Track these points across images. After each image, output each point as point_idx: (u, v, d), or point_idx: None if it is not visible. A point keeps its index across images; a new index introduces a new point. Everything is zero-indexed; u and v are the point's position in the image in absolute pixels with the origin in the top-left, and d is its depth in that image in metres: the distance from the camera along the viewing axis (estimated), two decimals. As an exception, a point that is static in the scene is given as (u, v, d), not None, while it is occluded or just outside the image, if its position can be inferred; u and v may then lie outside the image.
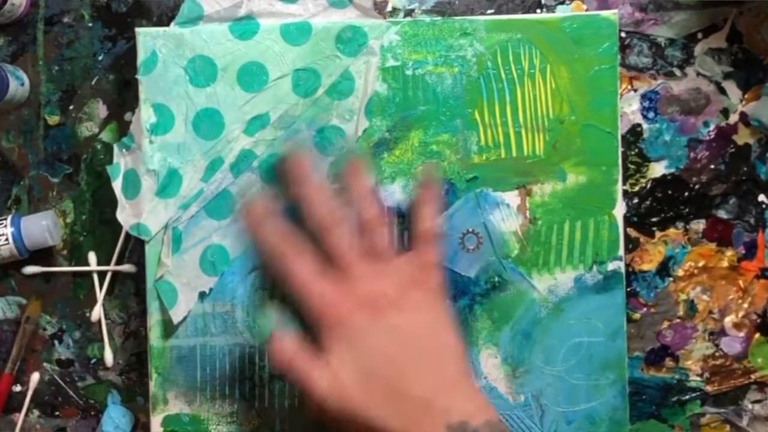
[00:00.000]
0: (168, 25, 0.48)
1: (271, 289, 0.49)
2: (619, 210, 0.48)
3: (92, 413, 0.52)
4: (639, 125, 0.50)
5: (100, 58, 0.51)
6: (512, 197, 0.49)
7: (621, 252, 0.48)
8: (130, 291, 0.52)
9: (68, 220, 0.52)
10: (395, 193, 0.49)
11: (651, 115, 0.50)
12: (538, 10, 0.50)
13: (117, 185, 0.48)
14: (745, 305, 0.51)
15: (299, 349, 0.42)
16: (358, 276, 0.42)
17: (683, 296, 0.51)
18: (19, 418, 0.52)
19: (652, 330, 0.51)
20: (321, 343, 0.42)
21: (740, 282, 0.51)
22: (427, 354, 0.42)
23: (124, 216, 0.48)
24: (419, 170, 0.46)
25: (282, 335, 0.43)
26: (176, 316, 0.48)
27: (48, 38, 0.51)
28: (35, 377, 0.51)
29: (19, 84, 0.50)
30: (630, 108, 0.50)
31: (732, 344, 0.51)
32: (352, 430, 0.41)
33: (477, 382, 0.49)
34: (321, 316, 0.42)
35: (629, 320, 0.50)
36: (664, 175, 0.50)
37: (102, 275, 0.51)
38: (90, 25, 0.51)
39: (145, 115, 0.48)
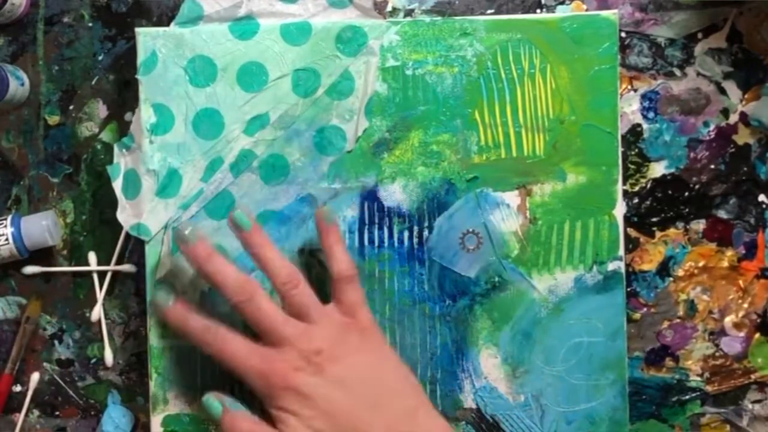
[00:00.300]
0: (168, 25, 0.48)
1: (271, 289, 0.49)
2: (619, 210, 0.48)
3: (92, 413, 0.52)
4: (639, 125, 0.50)
5: (100, 58, 0.51)
6: (512, 197, 0.49)
7: (621, 252, 0.48)
8: (130, 291, 0.52)
9: (68, 220, 0.52)
10: (395, 193, 0.49)
11: (651, 115, 0.50)
12: (538, 10, 0.50)
13: (117, 185, 0.48)
14: (745, 305, 0.51)
15: (253, 421, 0.42)
16: (288, 339, 0.42)
17: (683, 296, 0.51)
18: (19, 418, 0.52)
19: (652, 330, 0.51)
20: (272, 415, 0.42)
21: (740, 282, 0.51)
22: (376, 394, 0.42)
23: (125, 216, 0.48)
24: (317, 215, 0.46)
25: (233, 413, 0.42)
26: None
27: (48, 38, 0.51)
28: (35, 377, 0.51)
29: (19, 84, 0.50)
30: (630, 108, 0.50)
31: (732, 344, 0.51)
32: None
33: (477, 380, 0.48)
34: (266, 387, 0.41)
35: (629, 320, 0.50)
36: (664, 175, 0.50)
37: (102, 275, 0.51)
38: (90, 25, 0.51)
39: (145, 115, 0.48)
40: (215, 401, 0.42)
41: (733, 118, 0.50)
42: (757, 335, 0.51)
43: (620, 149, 0.48)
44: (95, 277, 0.51)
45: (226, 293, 0.43)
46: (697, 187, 0.50)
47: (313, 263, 0.48)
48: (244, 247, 0.44)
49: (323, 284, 0.46)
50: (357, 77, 0.48)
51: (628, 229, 0.50)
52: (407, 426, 0.41)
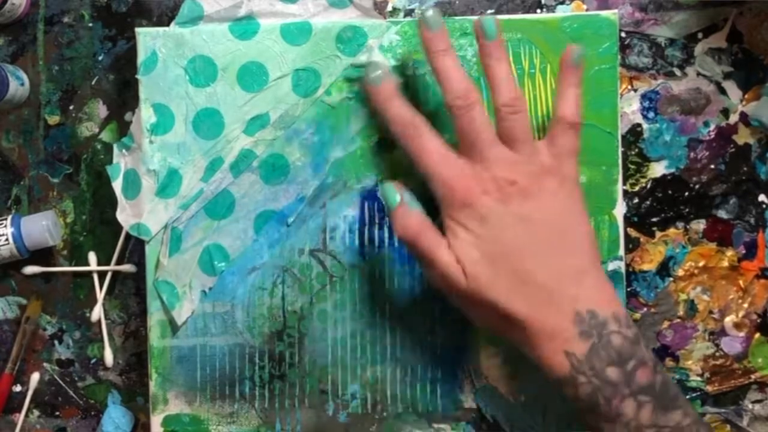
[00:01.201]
0: (168, 25, 0.48)
1: (271, 289, 0.49)
2: (619, 210, 0.48)
3: (92, 413, 0.52)
4: (639, 125, 0.50)
5: (100, 58, 0.51)
6: (512, 197, 0.48)
7: (621, 252, 0.48)
8: (130, 291, 0.52)
9: (68, 220, 0.52)
10: (395, 193, 0.49)
11: (651, 115, 0.50)
12: (538, 10, 0.50)
13: (117, 185, 0.48)
14: (745, 305, 0.51)
15: (426, 223, 0.42)
16: (490, 160, 0.41)
17: (683, 296, 0.51)
18: (19, 418, 0.52)
19: (652, 330, 0.51)
20: (445, 224, 0.42)
21: (740, 282, 0.51)
22: (556, 242, 0.41)
23: (124, 216, 0.48)
24: (565, 50, 0.44)
25: (409, 206, 0.42)
26: (180, 316, 0.48)
27: (48, 38, 0.51)
28: (35, 377, 0.52)
29: (19, 84, 0.50)
30: (630, 108, 0.50)
31: (732, 344, 0.51)
32: (477, 307, 0.41)
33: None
34: (449, 197, 0.41)
35: (629, 320, 0.50)
36: (664, 175, 0.50)
37: (102, 275, 0.51)
38: (90, 25, 0.51)
39: (145, 115, 0.48)
40: (395, 192, 0.43)
41: (733, 118, 0.50)
42: (757, 335, 0.51)
43: (620, 149, 0.48)
44: (95, 277, 0.51)
45: (449, 92, 0.42)
46: (697, 187, 0.50)
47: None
48: (480, 56, 0.43)
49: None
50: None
51: (628, 229, 0.50)
52: (571, 285, 0.40)
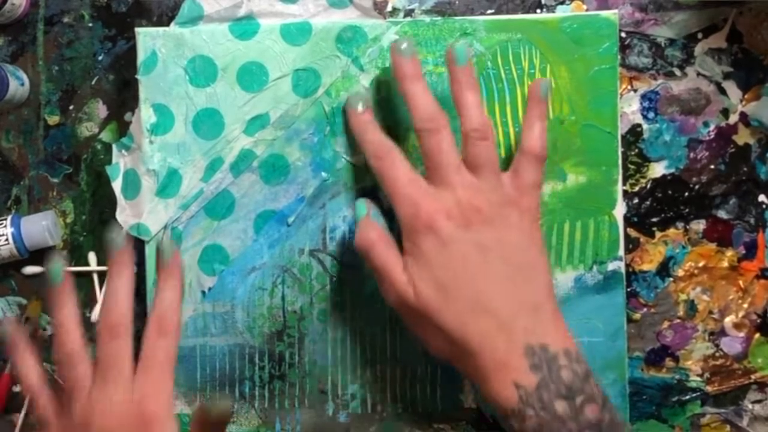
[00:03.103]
0: (168, 25, 0.48)
1: (271, 289, 0.49)
2: (619, 210, 0.48)
3: (92, 413, 0.52)
4: (639, 125, 0.50)
5: (100, 58, 0.51)
6: (512, 197, 0.48)
7: (621, 252, 0.48)
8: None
9: (68, 220, 0.52)
10: (395, 193, 0.49)
11: (651, 115, 0.50)
12: (538, 10, 0.50)
13: (116, 185, 0.48)
14: (745, 305, 0.51)
15: (385, 237, 0.43)
16: (455, 185, 0.41)
17: (683, 296, 0.51)
18: (19, 418, 0.52)
19: (652, 330, 0.51)
20: (404, 245, 0.42)
21: (740, 282, 0.51)
22: (513, 273, 0.41)
23: (124, 216, 0.48)
24: (533, 82, 0.45)
25: (372, 218, 0.44)
26: (182, 316, 0.48)
27: (48, 38, 0.51)
28: (35, 377, 0.52)
29: (19, 84, 0.50)
30: (630, 108, 0.50)
31: (732, 344, 0.51)
32: (427, 330, 0.41)
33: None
34: (411, 218, 0.41)
35: (629, 320, 0.50)
36: (664, 176, 0.50)
37: (102, 275, 0.51)
38: (90, 25, 0.51)
39: (145, 115, 0.48)
40: (364, 206, 0.45)
41: (733, 118, 0.50)
42: (757, 335, 0.51)
43: (620, 149, 0.48)
44: (95, 277, 0.51)
45: (416, 116, 0.42)
46: (697, 187, 0.50)
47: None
48: (449, 82, 0.43)
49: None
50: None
51: (628, 229, 0.50)
52: (525, 318, 0.40)
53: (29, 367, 0.42)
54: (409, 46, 0.43)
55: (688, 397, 0.51)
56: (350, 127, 0.46)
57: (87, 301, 0.52)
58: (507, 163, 0.48)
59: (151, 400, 0.39)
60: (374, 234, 0.43)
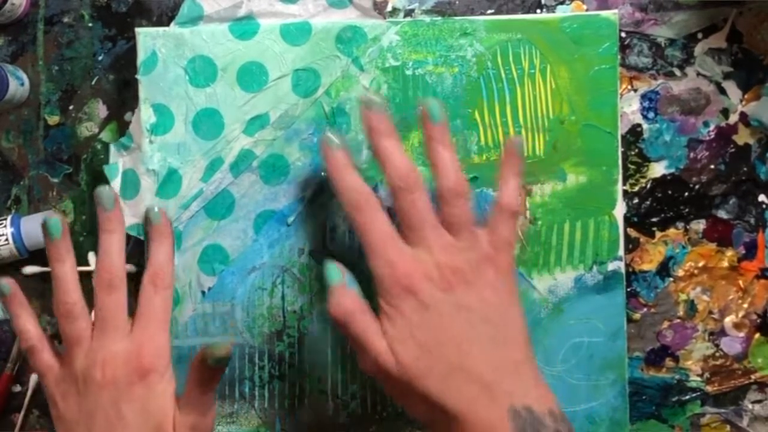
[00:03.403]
0: (168, 25, 0.48)
1: (271, 289, 0.49)
2: (619, 210, 0.48)
3: (92, 413, 0.52)
4: (639, 125, 0.50)
5: (100, 58, 0.51)
6: (512, 197, 0.48)
7: (621, 252, 0.48)
8: (130, 291, 0.51)
9: (68, 220, 0.52)
10: (395, 193, 0.49)
11: (651, 115, 0.50)
12: (538, 10, 0.50)
13: (115, 185, 0.48)
14: (745, 305, 0.51)
15: (361, 304, 0.41)
16: (432, 245, 0.40)
17: (683, 296, 0.51)
18: (19, 418, 0.52)
19: (652, 330, 0.51)
20: (380, 307, 0.40)
21: (740, 282, 0.51)
22: (494, 334, 0.40)
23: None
24: (508, 139, 0.43)
25: (347, 285, 0.41)
26: (182, 315, 0.48)
27: (48, 38, 0.51)
28: (35, 377, 0.51)
29: (19, 84, 0.50)
30: (630, 108, 0.50)
31: (732, 344, 0.51)
32: (408, 397, 0.40)
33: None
34: (388, 279, 0.40)
35: (629, 320, 0.50)
36: (664, 175, 0.50)
37: (102, 275, 0.51)
38: (90, 25, 0.51)
39: (144, 115, 0.48)
40: (337, 271, 0.41)
41: (733, 118, 0.50)
42: (757, 335, 0.51)
43: (620, 149, 0.48)
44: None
45: (390, 174, 0.41)
46: (697, 187, 0.50)
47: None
48: (424, 138, 0.42)
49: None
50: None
51: (628, 229, 0.50)
52: (508, 379, 0.39)
53: (28, 318, 0.43)
54: (380, 101, 0.42)
55: (688, 397, 0.51)
56: (326, 169, 0.43)
57: (88, 301, 0.52)
58: (500, 150, 0.48)
59: (149, 351, 0.41)
60: (350, 302, 0.40)
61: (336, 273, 0.41)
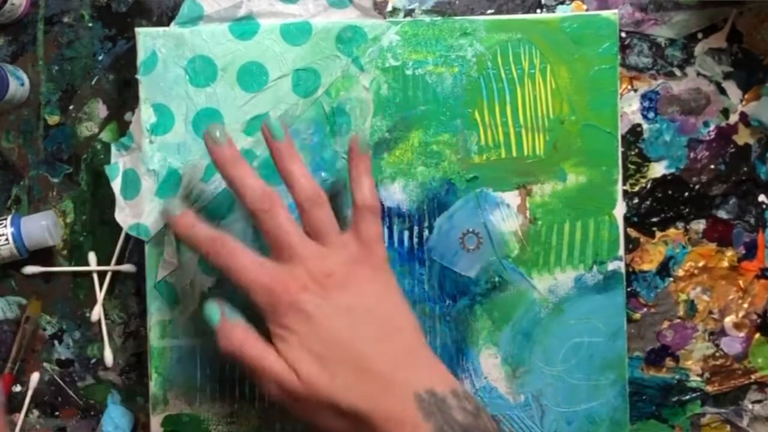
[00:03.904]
0: (168, 25, 0.48)
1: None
2: (619, 210, 0.48)
3: (92, 413, 0.52)
4: (639, 125, 0.50)
5: (100, 58, 0.51)
6: (512, 197, 0.49)
7: (621, 252, 0.48)
8: (130, 291, 0.51)
9: (68, 220, 0.52)
10: (395, 193, 0.49)
11: (651, 115, 0.50)
12: (538, 10, 0.50)
13: (116, 185, 0.48)
14: (745, 305, 0.51)
15: (249, 332, 0.41)
16: (303, 257, 0.41)
17: (683, 296, 0.51)
18: (19, 418, 0.52)
19: (652, 330, 0.51)
20: (271, 332, 0.41)
21: (740, 282, 0.51)
22: (381, 328, 0.41)
23: (123, 216, 0.48)
24: (351, 142, 0.44)
25: (230, 321, 0.41)
26: (182, 315, 0.48)
27: (48, 38, 0.51)
28: (35, 377, 0.51)
29: (19, 84, 0.50)
30: (630, 108, 0.50)
31: (732, 344, 0.51)
32: (318, 411, 0.40)
33: (477, 380, 0.48)
34: (270, 302, 0.40)
35: (629, 320, 0.50)
36: (664, 175, 0.50)
37: (102, 275, 0.51)
38: (90, 25, 0.51)
39: (145, 115, 0.48)
40: (215, 308, 0.42)
41: (733, 118, 0.50)
42: (757, 335, 0.51)
43: (620, 149, 0.48)
44: (95, 277, 0.51)
45: (246, 200, 0.41)
46: (697, 187, 0.50)
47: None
48: (272, 158, 0.43)
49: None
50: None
51: (628, 229, 0.50)
52: (405, 368, 0.40)
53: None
54: (221, 132, 0.42)
55: (688, 397, 0.51)
56: (175, 233, 0.44)
57: (88, 301, 0.52)
58: (510, 162, 0.48)
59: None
60: (238, 333, 0.41)
61: (215, 312, 0.42)
